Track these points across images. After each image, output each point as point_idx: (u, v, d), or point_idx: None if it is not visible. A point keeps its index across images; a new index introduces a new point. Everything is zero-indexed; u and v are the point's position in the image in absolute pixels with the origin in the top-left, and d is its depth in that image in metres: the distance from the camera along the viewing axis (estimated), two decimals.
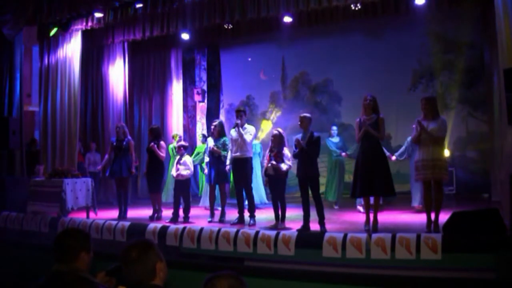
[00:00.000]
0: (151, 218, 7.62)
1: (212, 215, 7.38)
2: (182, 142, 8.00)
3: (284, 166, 6.38)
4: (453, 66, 9.55)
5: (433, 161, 5.63)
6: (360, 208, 7.71)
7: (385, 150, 7.68)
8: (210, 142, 7.37)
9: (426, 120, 5.81)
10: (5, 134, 8.88)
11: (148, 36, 9.14)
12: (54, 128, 9.58)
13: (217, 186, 7.45)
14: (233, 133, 7.07)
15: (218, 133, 7.29)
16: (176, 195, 7.50)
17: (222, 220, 7.14)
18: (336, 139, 8.56)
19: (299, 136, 6.31)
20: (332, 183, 8.51)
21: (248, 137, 6.94)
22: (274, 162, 6.37)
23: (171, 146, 9.28)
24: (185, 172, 7.37)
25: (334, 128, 8.71)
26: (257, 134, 9.72)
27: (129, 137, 8.05)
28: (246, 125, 7.07)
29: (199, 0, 8.17)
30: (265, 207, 8.74)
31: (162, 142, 7.77)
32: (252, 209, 6.94)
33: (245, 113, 7.17)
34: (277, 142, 6.49)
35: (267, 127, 11.21)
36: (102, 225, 7.04)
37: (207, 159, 7.47)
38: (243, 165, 6.95)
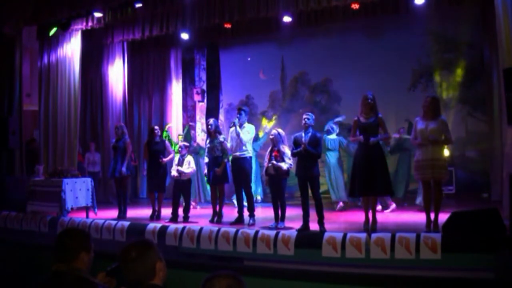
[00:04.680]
0: (151, 218, 7.62)
1: (214, 215, 7.34)
2: (184, 142, 7.99)
3: (285, 166, 6.36)
4: (453, 65, 9.55)
5: (433, 160, 5.58)
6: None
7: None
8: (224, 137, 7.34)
9: (425, 119, 5.73)
10: (5, 134, 8.88)
11: (147, 36, 9.15)
12: (54, 128, 9.58)
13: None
14: (232, 132, 7.07)
15: (214, 132, 7.28)
16: (176, 194, 7.47)
17: (219, 221, 7.06)
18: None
19: (297, 135, 6.31)
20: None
21: (244, 137, 6.89)
22: (274, 162, 6.37)
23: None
24: (188, 170, 7.35)
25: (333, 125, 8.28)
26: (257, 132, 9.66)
27: (126, 137, 8.03)
28: (245, 124, 7.02)
29: (198, 0, 8.17)
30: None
31: (167, 144, 7.94)
32: (252, 208, 6.92)
33: (245, 112, 7.11)
34: (276, 141, 6.49)
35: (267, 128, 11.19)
36: (102, 225, 7.05)
37: (206, 159, 7.44)
38: (242, 165, 6.92)
